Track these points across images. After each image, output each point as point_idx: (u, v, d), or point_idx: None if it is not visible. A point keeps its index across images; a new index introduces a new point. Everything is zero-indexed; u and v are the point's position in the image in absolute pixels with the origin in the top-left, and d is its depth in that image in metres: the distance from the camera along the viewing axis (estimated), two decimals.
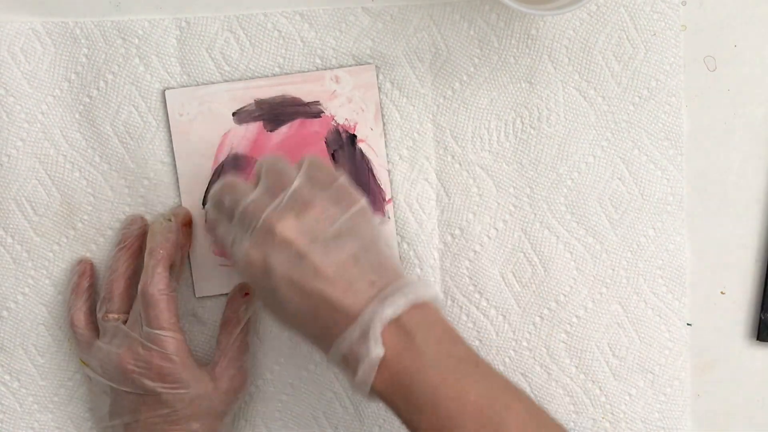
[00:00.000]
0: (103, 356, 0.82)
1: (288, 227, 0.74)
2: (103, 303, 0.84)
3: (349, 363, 0.73)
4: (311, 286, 0.73)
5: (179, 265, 0.84)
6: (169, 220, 0.84)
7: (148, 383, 0.80)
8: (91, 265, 0.86)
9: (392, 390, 0.73)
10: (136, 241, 0.85)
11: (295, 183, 0.76)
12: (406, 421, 0.73)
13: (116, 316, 0.83)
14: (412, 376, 0.73)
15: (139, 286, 0.81)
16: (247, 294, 0.86)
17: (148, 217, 0.86)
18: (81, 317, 0.85)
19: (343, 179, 0.78)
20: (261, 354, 0.88)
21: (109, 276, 0.84)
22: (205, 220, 0.83)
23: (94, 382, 0.84)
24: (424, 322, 0.74)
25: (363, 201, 0.78)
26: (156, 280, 0.81)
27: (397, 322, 0.73)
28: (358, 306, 0.73)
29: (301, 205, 0.75)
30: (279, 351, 0.88)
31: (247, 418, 0.88)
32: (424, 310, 0.75)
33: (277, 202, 0.75)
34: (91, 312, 0.85)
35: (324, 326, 0.74)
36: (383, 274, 0.75)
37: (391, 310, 0.73)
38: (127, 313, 0.84)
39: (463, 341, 0.76)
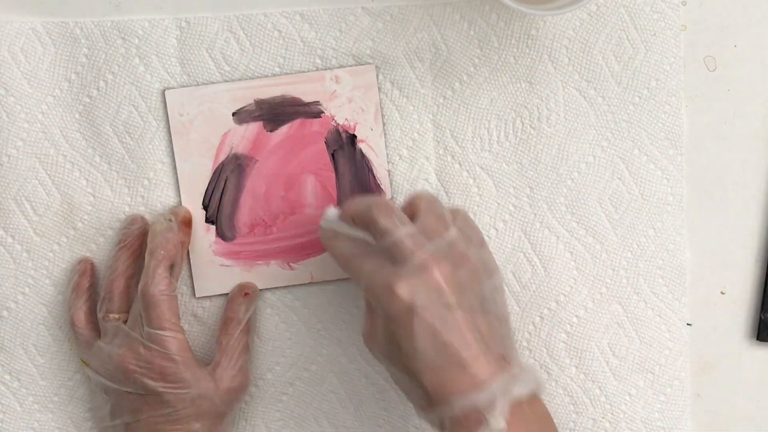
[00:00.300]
0: (104, 356, 0.82)
1: (445, 274, 0.74)
2: (103, 303, 0.84)
3: (461, 426, 0.74)
4: (449, 339, 0.74)
5: (179, 264, 0.84)
6: (170, 220, 0.84)
7: (150, 383, 0.80)
8: (92, 265, 0.86)
9: None
10: (136, 240, 0.85)
11: (453, 233, 0.77)
12: None
13: (116, 315, 0.83)
14: None
15: (140, 287, 0.81)
16: (247, 294, 0.86)
17: (148, 217, 0.86)
18: (81, 317, 0.85)
19: (486, 244, 0.79)
20: (261, 354, 0.88)
21: (109, 276, 0.84)
22: (322, 225, 0.81)
23: (94, 382, 0.84)
24: (541, 413, 0.76)
25: (500, 274, 0.80)
26: (156, 281, 0.81)
27: (519, 405, 0.74)
28: (488, 375, 0.74)
29: (459, 257, 0.76)
30: (280, 351, 0.88)
31: (247, 419, 0.88)
32: (539, 400, 0.77)
33: (436, 246, 0.75)
34: (92, 312, 0.85)
35: (444, 381, 0.74)
36: (511, 351, 0.77)
37: (520, 390, 0.74)
38: (128, 312, 0.84)
39: None
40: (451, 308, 0.74)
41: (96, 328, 0.85)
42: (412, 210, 0.78)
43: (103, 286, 0.85)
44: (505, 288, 0.83)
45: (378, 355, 0.77)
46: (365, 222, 0.77)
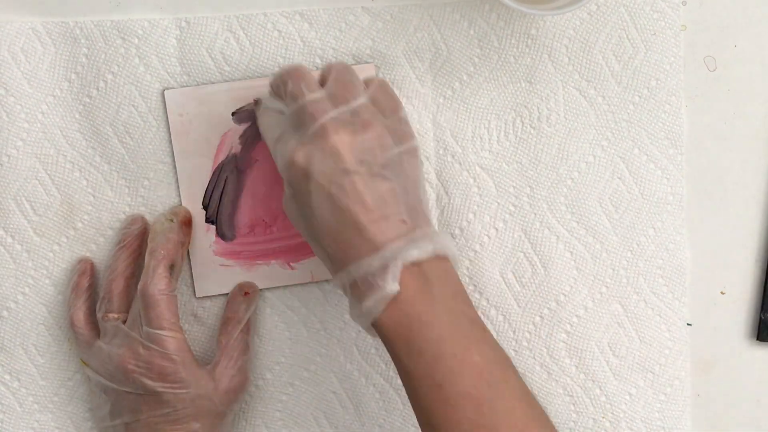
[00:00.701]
0: (103, 356, 0.82)
1: (342, 140, 0.74)
2: (102, 303, 0.84)
3: (359, 290, 0.74)
4: (346, 204, 0.73)
5: (179, 264, 0.84)
6: (171, 220, 0.84)
7: (149, 383, 0.80)
8: (92, 265, 0.86)
9: (397, 330, 0.73)
10: (135, 240, 0.85)
11: (361, 99, 0.77)
12: (400, 363, 0.74)
13: (116, 315, 0.83)
14: (421, 322, 0.73)
15: (139, 287, 0.81)
16: (247, 293, 0.86)
17: (148, 217, 0.86)
18: (81, 317, 0.85)
19: (404, 112, 0.79)
20: (261, 354, 0.88)
21: (109, 276, 0.84)
22: (254, 101, 0.83)
23: (94, 382, 0.84)
24: (443, 275, 0.75)
25: (416, 140, 0.79)
26: (156, 281, 0.81)
27: (418, 267, 0.74)
28: (385, 239, 0.73)
29: (361, 123, 0.75)
30: (279, 351, 0.88)
31: (247, 419, 0.88)
32: (445, 263, 0.75)
33: (338, 112, 0.75)
34: (91, 312, 0.85)
35: (344, 246, 0.74)
36: (416, 217, 0.76)
37: (416, 252, 0.74)
38: (127, 312, 0.84)
39: (472, 304, 0.76)
40: (349, 173, 0.74)
41: (96, 328, 0.85)
42: (323, 78, 0.78)
43: (102, 286, 0.85)
44: (422, 158, 0.84)
45: (293, 222, 0.78)
46: (279, 89, 0.78)
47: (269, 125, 0.79)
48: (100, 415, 0.85)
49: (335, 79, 0.77)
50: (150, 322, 0.81)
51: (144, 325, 0.81)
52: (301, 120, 0.76)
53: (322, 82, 0.78)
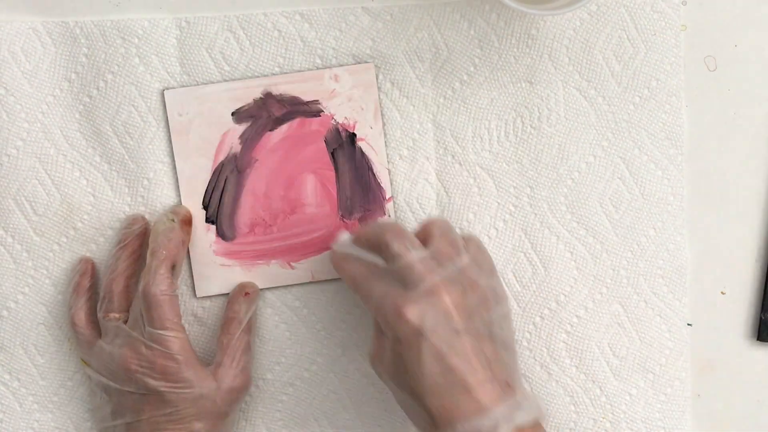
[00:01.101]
0: (105, 356, 0.82)
1: (454, 300, 0.76)
2: (102, 302, 0.84)
3: None
4: (456, 363, 0.75)
5: (180, 264, 0.84)
6: (172, 220, 0.84)
7: (152, 383, 0.80)
8: (92, 265, 0.86)
9: None
10: (136, 240, 0.85)
11: (465, 259, 0.78)
12: None
13: (117, 315, 0.83)
14: None
15: (141, 287, 0.81)
16: (247, 294, 0.86)
17: (148, 217, 0.86)
18: (82, 317, 0.85)
19: (496, 272, 0.81)
20: (262, 354, 0.88)
21: (109, 275, 0.84)
22: (333, 248, 0.82)
23: (95, 382, 0.84)
24: None
25: (510, 301, 0.82)
26: (158, 281, 0.81)
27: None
28: (491, 402, 0.74)
29: (468, 283, 0.77)
30: (280, 351, 0.88)
31: (248, 419, 0.88)
32: (542, 429, 0.77)
33: (447, 271, 0.77)
34: (92, 311, 0.85)
35: (450, 406, 0.74)
36: (515, 379, 0.77)
37: (523, 418, 0.75)
38: (128, 312, 0.84)
39: None
40: (459, 333, 0.75)
41: (97, 327, 0.85)
42: (424, 235, 0.79)
43: (102, 286, 0.85)
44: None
45: (385, 377, 0.78)
46: (377, 245, 0.78)
47: (361, 275, 0.79)
48: (100, 415, 0.85)
49: (439, 236, 0.78)
50: (152, 322, 0.81)
51: (146, 325, 0.81)
52: (407, 278, 0.76)
53: (422, 237, 0.79)
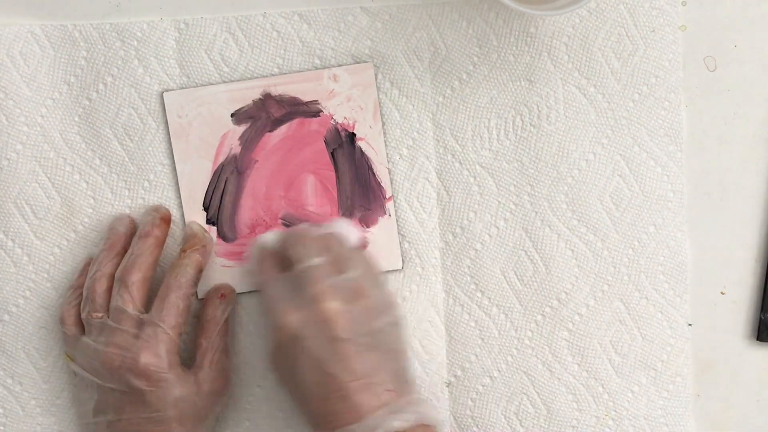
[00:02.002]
0: (90, 352, 0.82)
1: (335, 308, 0.77)
2: (86, 303, 0.83)
3: None
4: (334, 371, 0.76)
5: (202, 271, 0.85)
6: (207, 231, 0.86)
7: (134, 381, 0.80)
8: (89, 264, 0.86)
9: None
10: (121, 240, 0.85)
11: (357, 271, 0.80)
12: None
13: (100, 315, 0.83)
14: None
15: (168, 279, 0.83)
16: (223, 296, 0.86)
17: (135, 217, 0.86)
18: (71, 314, 0.85)
19: (385, 282, 0.83)
20: (264, 355, 0.88)
21: (93, 275, 0.84)
22: (254, 250, 0.85)
23: (79, 378, 0.84)
24: None
25: (400, 310, 0.82)
26: (186, 281, 0.83)
27: None
28: (370, 408, 0.76)
29: (356, 292, 0.79)
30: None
31: (250, 419, 0.88)
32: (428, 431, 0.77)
33: (334, 281, 0.78)
34: (81, 309, 0.85)
35: (328, 412, 0.76)
36: (400, 386, 0.78)
37: (398, 423, 0.76)
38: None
39: None
40: (338, 341, 0.76)
41: (82, 324, 0.85)
42: (323, 243, 0.81)
43: (86, 286, 0.84)
44: (402, 324, 0.83)
45: (279, 378, 0.80)
46: (283, 249, 0.81)
47: (264, 278, 0.81)
48: (83, 410, 0.84)
49: (334, 248, 0.81)
50: (160, 312, 0.81)
51: (153, 310, 0.81)
52: (300, 283, 0.78)
53: (320, 245, 0.81)
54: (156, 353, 0.81)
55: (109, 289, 0.84)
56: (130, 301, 0.81)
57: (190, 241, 0.85)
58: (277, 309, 0.78)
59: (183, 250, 0.84)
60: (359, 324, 0.77)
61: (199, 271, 0.84)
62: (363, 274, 0.80)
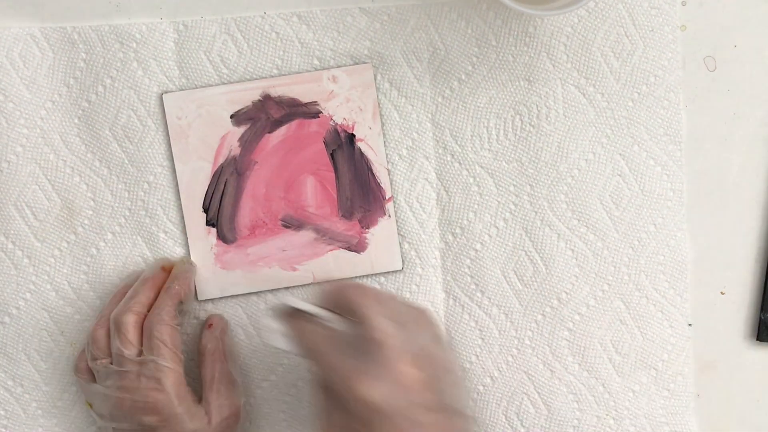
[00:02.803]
0: (102, 397, 0.82)
1: (414, 375, 0.73)
2: (88, 350, 0.83)
3: None
4: None
5: (188, 303, 0.86)
6: (190, 263, 0.86)
7: (146, 419, 0.80)
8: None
9: None
10: (124, 289, 0.85)
11: (427, 335, 0.76)
12: None
13: (104, 361, 0.83)
14: None
15: (147, 317, 0.82)
16: (210, 326, 0.86)
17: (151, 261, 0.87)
18: (83, 362, 0.85)
19: (445, 339, 0.79)
20: (264, 356, 0.88)
21: (96, 323, 0.84)
22: (282, 312, 0.78)
23: (97, 425, 0.86)
24: None
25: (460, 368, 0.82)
26: (163, 312, 0.82)
27: None
28: None
29: (427, 357, 0.75)
30: (282, 353, 0.88)
31: (251, 420, 0.88)
32: None
33: (411, 346, 0.74)
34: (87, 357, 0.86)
35: None
36: None
37: None
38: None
39: None
40: (418, 407, 0.72)
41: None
42: (382, 300, 0.76)
43: (89, 334, 0.84)
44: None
45: None
46: (343, 306, 0.75)
47: (320, 337, 0.75)
48: None
49: (392, 308, 0.75)
50: (151, 350, 0.81)
51: (145, 352, 0.81)
52: (368, 348, 0.73)
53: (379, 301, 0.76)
54: (162, 389, 0.80)
55: (108, 333, 0.84)
56: (127, 343, 0.81)
57: (171, 278, 0.85)
58: (348, 378, 0.72)
59: (165, 289, 0.84)
60: (434, 388, 0.73)
61: (180, 301, 0.84)
62: (432, 337, 0.76)
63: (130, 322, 0.82)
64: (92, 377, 0.84)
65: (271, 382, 0.88)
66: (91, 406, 0.84)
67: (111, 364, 0.82)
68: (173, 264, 0.86)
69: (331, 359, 0.73)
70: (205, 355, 0.85)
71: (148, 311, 0.83)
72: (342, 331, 0.74)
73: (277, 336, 0.76)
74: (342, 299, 0.75)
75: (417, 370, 0.73)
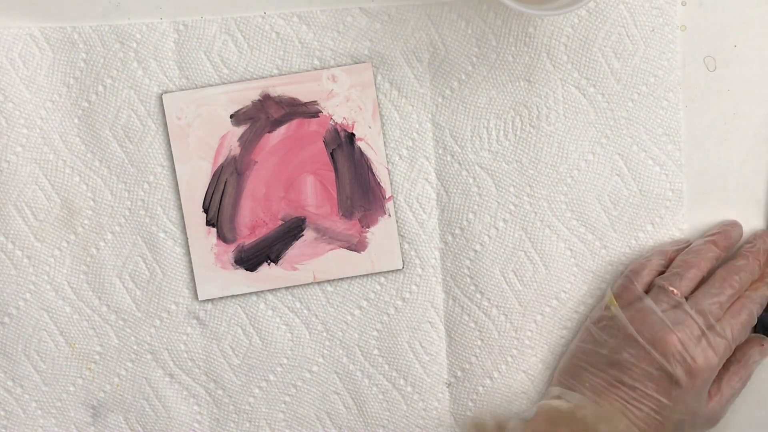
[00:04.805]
0: (646, 315, 0.83)
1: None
2: (671, 276, 0.84)
3: None
4: None
5: None
6: None
7: (671, 369, 0.81)
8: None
9: None
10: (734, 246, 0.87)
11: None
12: None
13: (677, 293, 0.83)
14: None
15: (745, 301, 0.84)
16: (762, 345, 0.87)
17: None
18: (647, 272, 0.86)
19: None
20: (264, 356, 0.88)
21: (691, 258, 0.85)
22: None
23: (587, 326, 0.86)
24: None
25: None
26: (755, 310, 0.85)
27: None
28: None
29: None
30: (282, 352, 0.88)
31: (251, 420, 0.88)
32: None
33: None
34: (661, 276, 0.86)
35: None
36: None
37: None
38: (688, 296, 0.84)
39: None
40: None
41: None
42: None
43: (679, 259, 0.86)
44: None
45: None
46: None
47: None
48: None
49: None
50: (724, 329, 0.83)
51: (722, 321, 0.83)
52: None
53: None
54: (711, 365, 0.81)
55: (699, 281, 0.84)
56: (717, 308, 0.83)
57: None
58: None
59: None
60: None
61: None
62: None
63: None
64: (644, 288, 0.85)
65: (271, 382, 0.88)
66: (615, 301, 0.84)
67: (686, 303, 0.83)
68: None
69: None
70: (737, 366, 0.86)
71: None
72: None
73: None
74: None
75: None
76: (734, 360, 0.85)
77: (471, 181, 0.87)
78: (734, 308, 0.83)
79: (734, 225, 0.87)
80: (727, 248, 0.86)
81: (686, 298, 0.83)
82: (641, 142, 0.87)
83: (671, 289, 0.83)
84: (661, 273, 0.85)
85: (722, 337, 0.81)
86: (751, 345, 0.86)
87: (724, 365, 0.84)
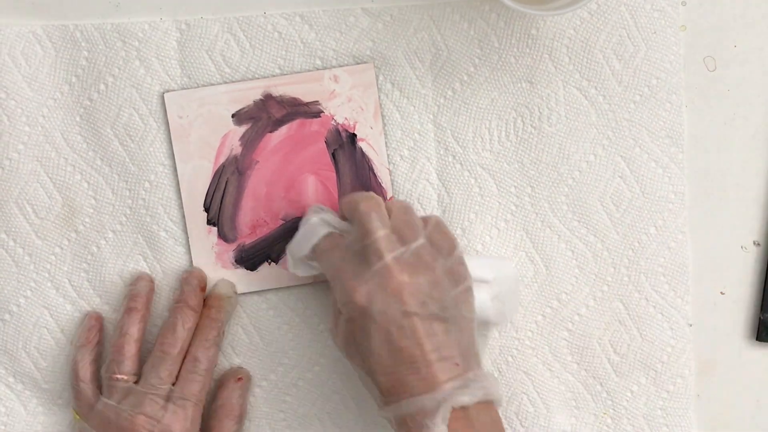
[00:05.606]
0: (109, 415, 0.82)
1: (405, 281, 0.76)
2: (111, 364, 0.83)
3: (407, 426, 0.76)
4: (405, 344, 0.76)
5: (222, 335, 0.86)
6: (234, 292, 0.86)
7: None
8: (101, 320, 0.86)
9: None
10: (144, 301, 0.85)
11: (421, 240, 0.78)
12: None
13: (126, 378, 0.83)
14: None
15: (194, 350, 0.83)
16: (240, 379, 0.86)
17: (156, 276, 0.87)
18: (87, 372, 0.84)
19: (459, 250, 0.80)
20: (264, 355, 0.88)
21: (119, 337, 0.84)
22: (308, 215, 0.83)
23: None
24: (488, 421, 0.77)
25: (470, 280, 0.80)
26: (212, 353, 0.84)
27: (465, 411, 0.76)
28: (439, 381, 0.75)
29: (422, 265, 0.77)
30: (282, 352, 0.88)
31: (251, 419, 0.88)
32: (491, 409, 0.78)
33: (401, 252, 0.77)
34: (98, 367, 0.85)
35: (398, 383, 0.76)
36: (468, 359, 0.78)
37: (467, 398, 0.76)
38: (137, 374, 0.83)
39: None
40: (409, 316, 0.76)
41: (100, 384, 0.85)
42: (387, 213, 0.80)
43: (111, 345, 0.84)
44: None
45: (341, 350, 0.79)
46: (352, 215, 0.79)
47: (335, 248, 0.80)
48: None
49: (396, 218, 0.79)
50: (187, 386, 0.82)
51: (178, 383, 0.82)
52: (368, 255, 0.77)
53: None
54: (186, 427, 0.81)
55: (138, 353, 0.84)
56: (167, 376, 0.82)
57: (215, 301, 0.85)
58: (345, 283, 0.77)
59: (208, 306, 0.85)
60: (427, 296, 0.76)
61: (221, 338, 0.85)
62: (425, 245, 0.78)
63: (176, 354, 0.83)
64: (97, 389, 0.84)
65: (271, 381, 0.88)
66: (80, 417, 0.84)
67: (136, 383, 0.82)
68: (214, 289, 0.86)
69: (337, 266, 0.78)
70: (223, 408, 0.85)
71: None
72: (352, 241, 0.78)
73: (298, 264, 0.82)
74: (353, 210, 0.79)
75: (407, 277, 0.76)
76: (218, 407, 0.85)
77: (472, 181, 0.87)
78: (187, 365, 0.83)
79: (141, 278, 0.86)
80: (145, 305, 0.85)
81: (139, 376, 0.83)
82: (643, 144, 0.87)
83: (116, 376, 0.83)
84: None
85: (183, 398, 0.81)
86: (227, 385, 0.86)
87: (212, 415, 0.85)
